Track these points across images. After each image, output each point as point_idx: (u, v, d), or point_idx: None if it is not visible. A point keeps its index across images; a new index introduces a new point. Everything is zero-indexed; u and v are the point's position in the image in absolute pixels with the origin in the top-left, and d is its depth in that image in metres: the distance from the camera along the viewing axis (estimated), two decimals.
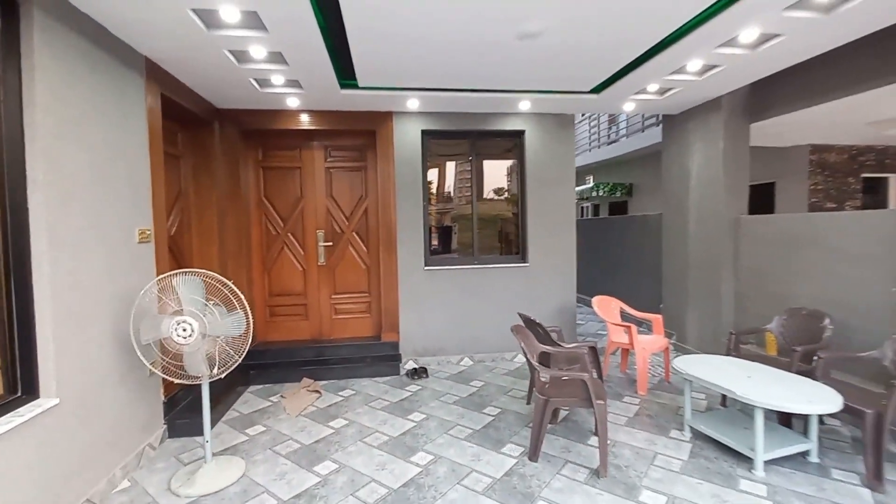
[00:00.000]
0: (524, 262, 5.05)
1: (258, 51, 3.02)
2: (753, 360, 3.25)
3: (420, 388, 4.23)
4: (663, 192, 5.45)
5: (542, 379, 3.04)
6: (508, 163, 5.34)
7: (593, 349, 3.24)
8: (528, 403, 3.77)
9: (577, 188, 11.56)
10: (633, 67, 3.52)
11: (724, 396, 3.55)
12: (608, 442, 2.91)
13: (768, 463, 2.71)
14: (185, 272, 2.59)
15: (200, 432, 2.86)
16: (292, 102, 4.26)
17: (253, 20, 2.61)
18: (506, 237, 5.37)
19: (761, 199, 6.73)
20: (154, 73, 3.14)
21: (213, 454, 2.87)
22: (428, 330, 4.90)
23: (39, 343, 2.15)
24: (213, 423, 3.14)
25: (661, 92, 4.19)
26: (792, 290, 3.88)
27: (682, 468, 2.75)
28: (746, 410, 3.21)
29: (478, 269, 4.97)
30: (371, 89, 3.99)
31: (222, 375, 2.63)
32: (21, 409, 2.03)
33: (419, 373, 4.50)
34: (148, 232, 3.05)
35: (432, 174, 5.17)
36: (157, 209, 3.17)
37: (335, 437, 3.25)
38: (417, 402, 3.90)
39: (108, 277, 2.62)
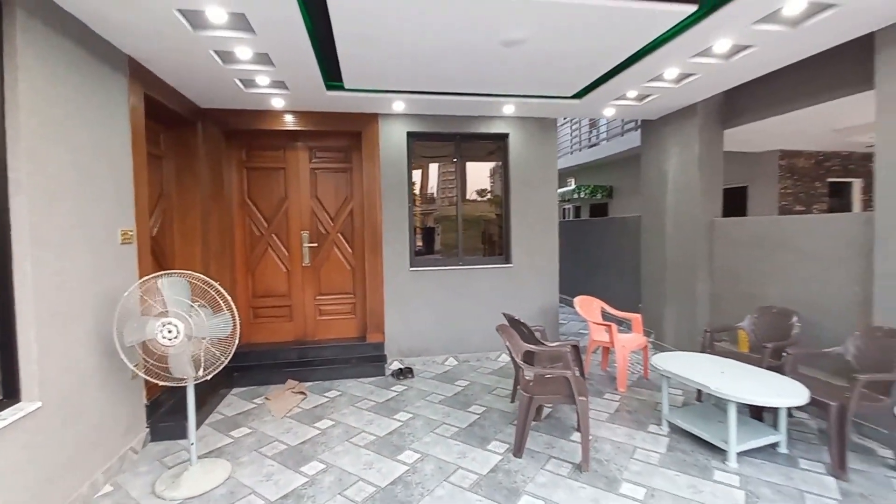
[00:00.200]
0: (508, 263, 5.13)
1: (244, 52, 3.02)
2: (727, 357, 3.39)
3: (406, 388, 4.27)
4: (642, 194, 5.60)
5: (527, 377, 3.12)
6: (492, 164, 5.42)
7: (576, 348, 3.34)
8: (513, 402, 3.84)
9: (559, 190, 11.75)
10: (612, 74, 3.64)
11: (699, 392, 3.70)
12: (590, 437, 3.00)
13: (741, 454, 2.84)
14: (171, 273, 2.57)
15: (184, 435, 2.84)
16: (277, 103, 4.25)
17: (240, 21, 2.62)
18: (489, 238, 5.44)
19: (735, 203, 7.00)
20: (138, 73, 3.10)
21: (198, 457, 2.84)
22: (413, 330, 4.93)
23: (22, 346, 2.12)
24: (198, 425, 3.11)
25: (640, 98, 4.32)
26: (763, 290, 4.05)
27: (661, 461, 2.86)
28: (720, 405, 3.36)
29: (462, 270, 5.02)
30: (357, 91, 4.02)
31: (208, 377, 2.62)
32: (3, 413, 1.99)
33: (404, 373, 4.53)
34: (130, 233, 3.01)
35: (417, 175, 5.21)
36: (139, 210, 3.14)
37: (321, 438, 3.26)
38: (403, 401, 3.93)
39: (92, 278, 2.59)
